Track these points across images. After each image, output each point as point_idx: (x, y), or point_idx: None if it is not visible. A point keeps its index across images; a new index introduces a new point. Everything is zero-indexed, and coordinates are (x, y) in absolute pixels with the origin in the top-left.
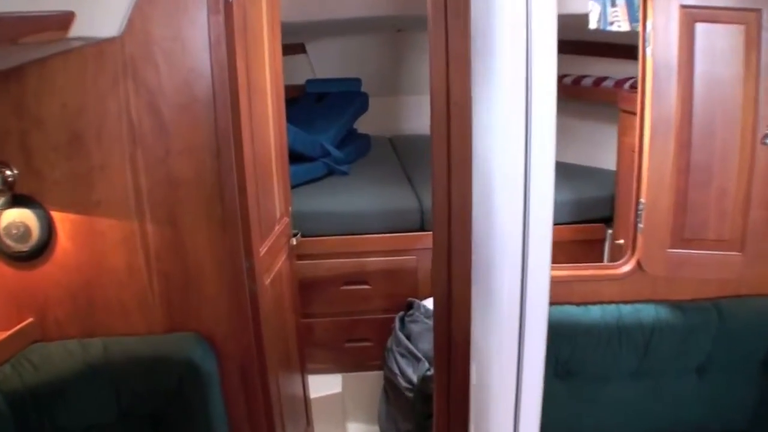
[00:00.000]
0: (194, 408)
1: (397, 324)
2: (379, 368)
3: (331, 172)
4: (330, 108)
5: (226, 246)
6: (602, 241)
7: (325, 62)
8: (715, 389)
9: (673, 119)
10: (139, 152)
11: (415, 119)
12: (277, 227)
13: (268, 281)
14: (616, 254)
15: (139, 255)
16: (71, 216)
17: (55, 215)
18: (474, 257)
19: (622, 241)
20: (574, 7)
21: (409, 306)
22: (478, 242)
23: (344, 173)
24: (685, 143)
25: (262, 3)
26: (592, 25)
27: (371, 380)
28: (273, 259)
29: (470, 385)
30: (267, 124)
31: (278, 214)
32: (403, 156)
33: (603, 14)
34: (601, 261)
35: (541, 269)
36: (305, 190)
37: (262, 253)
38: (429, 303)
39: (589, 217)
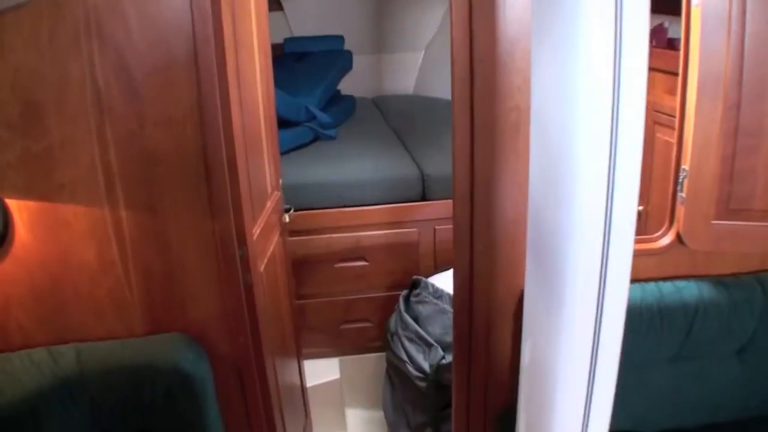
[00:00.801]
0: (187, 420)
1: (401, 305)
2: (380, 350)
3: (317, 138)
4: (312, 68)
5: (215, 232)
6: None
7: (303, 19)
8: (758, 371)
9: (722, 78)
10: (108, 124)
11: (400, 79)
12: (269, 204)
13: (262, 267)
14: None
15: (113, 246)
16: (30, 203)
17: (11, 203)
18: (532, 230)
19: (641, 208)
20: None
21: (414, 284)
22: (540, 212)
23: (331, 138)
24: (733, 105)
25: None
26: None
27: (371, 363)
28: (266, 241)
29: (521, 366)
30: (255, 87)
31: (270, 189)
32: (392, 118)
33: None
34: None
35: (625, 241)
36: (291, 158)
37: (255, 237)
38: (437, 281)
39: None
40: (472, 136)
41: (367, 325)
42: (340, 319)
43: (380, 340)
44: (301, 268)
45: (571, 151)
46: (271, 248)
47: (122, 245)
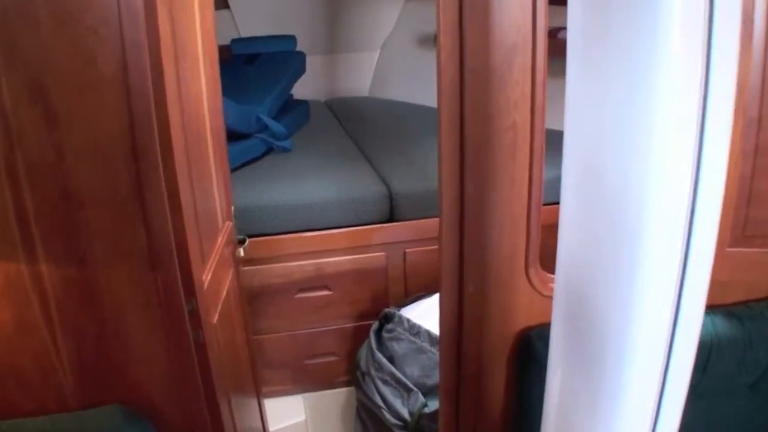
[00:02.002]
0: None
1: (373, 341)
2: (348, 384)
3: (269, 150)
4: (263, 72)
5: (157, 284)
6: None
7: (251, 18)
8: None
9: (741, 92)
10: (19, 157)
11: (354, 80)
12: (220, 239)
13: (215, 318)
14: None
15: (34, 305)
16: None
17: None
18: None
19: None
20: None
21: (387, 318)
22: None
23: (286, 150)
24: (753, 121)
25: None
26: None
27: (339, 399)
28: (219, 285)
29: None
30: (200, 100)
31: (221, 220)
32: (349, 125)
33: None
34: None
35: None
36: (242, 176)
37: (206, 284)
38: (412, 314)
39: None
40: (462, 160)
41: (333, 359)
42: (303, 354)
43: (348, 374)
44: (258, 300)
45: (634, 207)
46: (225, 291)
47: (45, 304)
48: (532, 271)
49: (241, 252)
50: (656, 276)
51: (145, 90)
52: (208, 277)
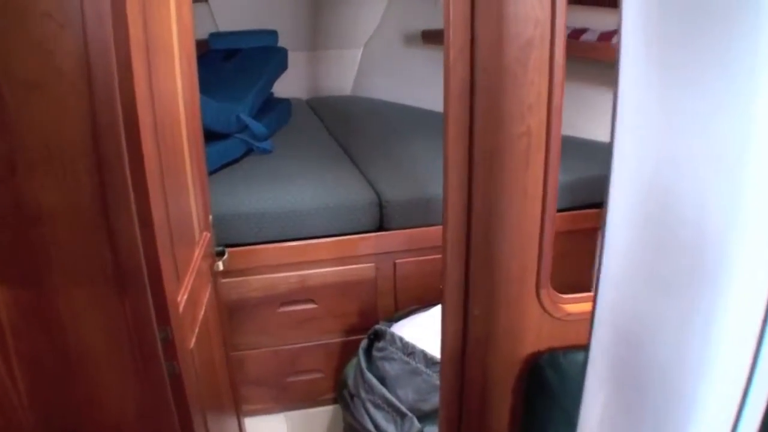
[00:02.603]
0: None
1: (362, 360)
2: (333, 402)
3: (249, 151)
4: (243, 68)
5: (125, 310)
6: (597, 229)
7: (230, 12)
8: None
9: None
10: None
11: (337, 78)
12: (197, 252)
13: (192, 343)
14: None
15: None
16: None
17: None
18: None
19: None
20: None
21: (377, 335)
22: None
23: (267, 151)
24: None
25: None
26: None
27: (323, 418)
28: (196, 306)
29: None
30: (176, 99)
31: (197, 231)
32: (333, 125)
33: None
34: (595, 254)
35: None
36: (220, 179)
37: (182, 306)
38: (404, 331)
39: (583, 203)
40: (471, 170)
41: (317, 377)
42: (285, 371)
43: (333, 392)
44: (237, 313)
45: (714, 247)
46: (203, 310)
47: None
48: (543, 292)
49: (220, 266)
50: (735, 331)
51: (111, 90)
52: (184, 298)
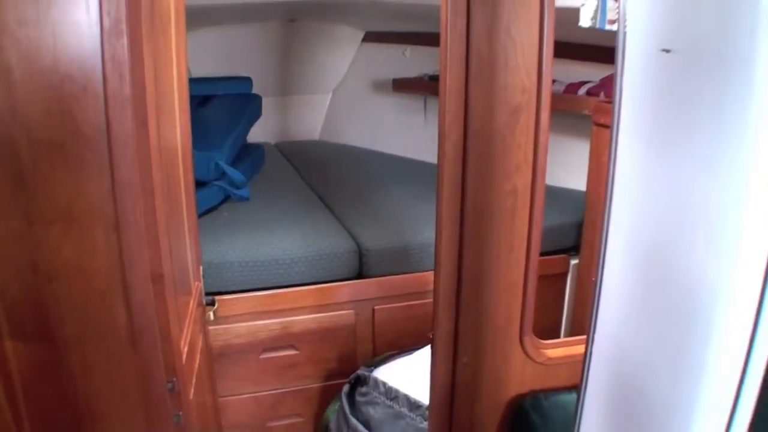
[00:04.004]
0: None
1: (345, 405)
2: None
3: (226, 198)
4: (219, 115)
5: (136, 365)
6: (564, 274)
7: (203, 57)
8: None
9: None
10: None
11: (304, 122)
12: (191, 303)
13: (191, 393)
14: (587, 291)
15: None
16: None
17: None
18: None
19: None
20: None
21: (359, 380)
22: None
23: (244, 198)
24: None
25: None
26: (585, 22)
27: None
28: (193, 357)
29: None
30: (176, 156)
31: (192, 282)
32: (304, 171)
33: (601, 10)
34: (563, 298)
35: None
36: (201, 228)
37: (184, 357)
38: (386, 376)
39: (551, 248)
40: (462, 226)
41: (298, 421)
42: (266, 416)
43: None
44: (220, 360)
45: (706, 303)
46: (197, 359)
47: (9, 385)
48: (526, 339)
49: (212, 315)
50: (723, 372)
51: (129, 149)
52: (185, 350)
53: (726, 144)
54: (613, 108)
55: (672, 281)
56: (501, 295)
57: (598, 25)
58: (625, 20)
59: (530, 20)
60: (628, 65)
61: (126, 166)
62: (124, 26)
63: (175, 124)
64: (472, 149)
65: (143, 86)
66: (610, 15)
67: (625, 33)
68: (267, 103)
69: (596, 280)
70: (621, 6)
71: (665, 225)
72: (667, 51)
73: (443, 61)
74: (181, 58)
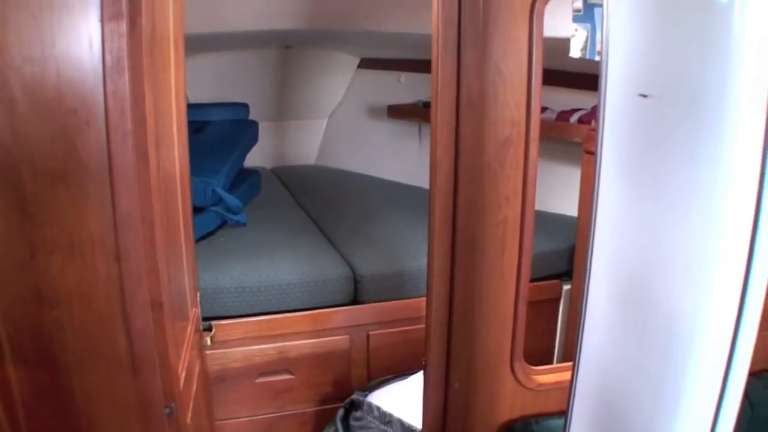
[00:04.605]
0: None
1: (340, 429)
2: None
3: (223, 223)
4: (216, 141)
5: (136, 390)
6: (557, 299)
7: (201, 82)
8: None
9: None
10: None
11: (300, 147)
12: (189, 329)
13: (189, 417)
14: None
15: None
16: None
17: None
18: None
19: None
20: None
21: (353, 404)
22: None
23: (241, 224)
24: None
25: (170, 7)
26: (575, 53)
27: None
28: (191, 380)
29: None
30: (175, 186)
31: (189, 307)
32: (300, 196)
33: (590, 41)
34: (556, 323)
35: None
36: (198, 254)
37: (182, 382)
38: (381, 401)
39: (544, 274)
40: (453, 256)
41: None
42: None
43: None
44: (217, 384)
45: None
46: (194, 385)
47: (12, 409)
48: (517, 365)
49: (209, 341)
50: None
51: (130, 181)
52: (183, 375)
53: (699, 181)
54: (596, 149)
55: (651, 310)
56: (492, 323)
57: (588, 56)
58: (606, 66)
59: (519, 55)
60: (608, 109)
61: (127, 197)
62: (125, 63)
63: (173, 151)
64: (463, 181)
65: (144, 120)
66: (599, 46)
67: (606, 78)
68: (264, 128)
69: (581, 308)
70: (603, 54)
71: (645, 257)
72: (644, 96)
73: (434, 95)
74: (180, 86)
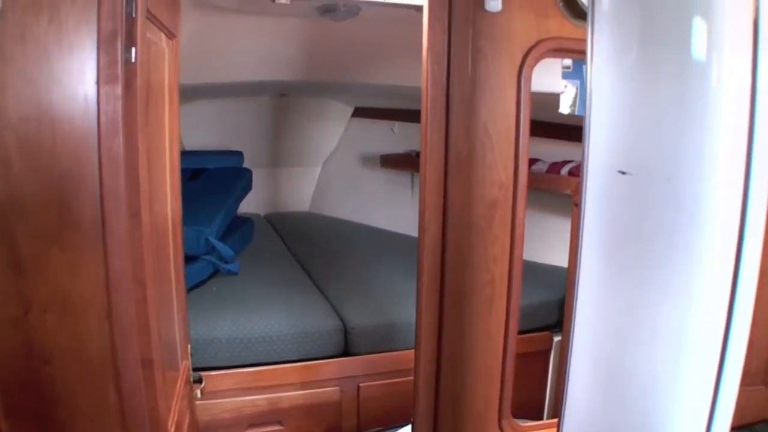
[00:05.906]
0: None
1: None
2: None
3: (216, 272)
4: (210, 189)
5: None
6: (548, 351)
7: (195, 129)
8: None
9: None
10: None
11: (294, 194)
12: (179, 381)
13: None
14: None
15: None
16: None
17: None
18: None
19: None
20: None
21: None
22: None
23: (233, 273)
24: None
25: (165, 61)
26: (564, 109)
27: None
28: None
29: None
30: (167, 239)
31: (180, 361)
32: (293, 245)
33: (579, 97)
34: (547, 375)
35: None
36: (189, 303)
37: None
38: None
39: (535, 326)
40: (441, 315)
41: None
42: None
43: None
44: None
45: (662, 405)
46: None
47: None
48: (505, 423)
49: (199, 394)
50: None
51: (123, 241)
52: (172, 428)
53: (675, 260)
54: (579, 223)
55: (631, 378)
56: (479, 380)
57: (576, 112)
58: (589, 140)
59: (507, 118)
60: (590, 184)
61: (119, 257)
62: (120, 125)
63: (166, 201)
64: (451, 240)
65: (137, 179)
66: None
67: (588, 153)
68: (258, 175)
69: (565, 371)
70: (585, 127)
71: (623, 329)
72: (623, 173)
73: (423, 156)
74: (174, 135)
